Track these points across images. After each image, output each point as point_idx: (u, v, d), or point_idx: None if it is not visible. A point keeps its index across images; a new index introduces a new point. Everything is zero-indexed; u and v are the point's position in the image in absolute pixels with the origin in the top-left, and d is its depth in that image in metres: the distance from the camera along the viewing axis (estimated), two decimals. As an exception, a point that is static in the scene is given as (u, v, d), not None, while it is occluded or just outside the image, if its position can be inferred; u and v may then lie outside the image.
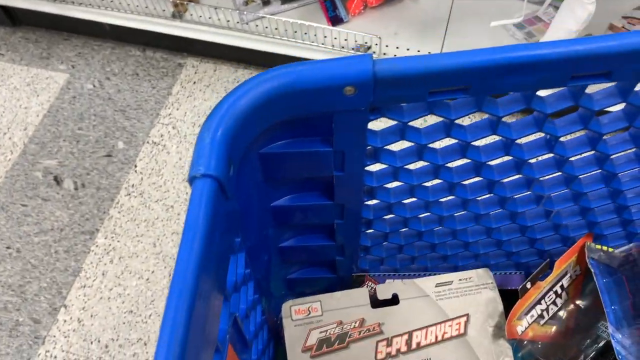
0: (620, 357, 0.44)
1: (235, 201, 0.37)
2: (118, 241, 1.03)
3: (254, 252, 0.48)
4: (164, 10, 1.16)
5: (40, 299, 0.97)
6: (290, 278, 0.56)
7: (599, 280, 0.49)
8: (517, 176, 0.45)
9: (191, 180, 0.31)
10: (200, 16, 1.14)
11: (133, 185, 1.09)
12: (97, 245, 1.03)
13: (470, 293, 0.53)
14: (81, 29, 1.27)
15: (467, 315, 0.52)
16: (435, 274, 0.56)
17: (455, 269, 0.57)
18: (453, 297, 0.53)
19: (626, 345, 0.44)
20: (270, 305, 0.55)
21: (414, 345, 0.50)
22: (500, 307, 0.53)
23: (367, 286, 0.56)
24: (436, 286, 0.53)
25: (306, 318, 0.50)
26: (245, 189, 0.41)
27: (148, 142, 1.14)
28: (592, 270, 0.49)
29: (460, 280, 0.54)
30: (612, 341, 0.44)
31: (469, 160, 0.42)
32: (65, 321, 0.95)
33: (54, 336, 0.93)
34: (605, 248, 0.52)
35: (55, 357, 0.91)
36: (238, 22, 1.12)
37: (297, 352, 0.49)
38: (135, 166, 1.11)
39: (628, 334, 0.45)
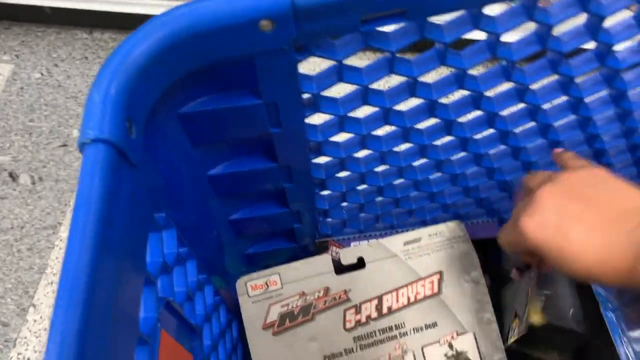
0: (599, 296, 0.40)
1: (150, 171, 0.31)
2: (83, 233, 0.97)
3: (198, 229, 0.43)
4: (105, -13, 1.08)
5: (7, 301, 0.92)
6: (249, 253, 0.51)
7: None
8: (476, 113, 0.40)
9: (81, 147, 0.26)
10: (144, -11, 1.06)
11: (93, 174, 1.03)
12: (61, 240, 0.97)
13: (442, 248, 0.49)
14: (22, 16, 1.19)
15: (441, 272, 0.48)
16: (403, 231, 0.52)
17: (424, 223, 0.53)
18: (424, 254, 0.49)
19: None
20: (229, 285, 0.50)
21: (384, 310, 0.46)
22: (475, 259, 0.49)
23: (331, 252, 0.51)
24: (404, 244, 0.49)
25: (265, 293, 0.45)
26: (172, 159, 0.35)
27: (104, 128, 1.08)
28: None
29: (430, 235, 0.49)
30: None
31: (421, 100, 0.37)
32: (35, 321, 0.90)
33: (25, 337, 0.88)
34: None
35: (29, 358, 0.86)
36: (184, -9, 1.05)
37: (257, 330, 0.44)
38: (94, 154, 1.05)
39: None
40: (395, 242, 0.48)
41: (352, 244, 0.52)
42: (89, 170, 0.25)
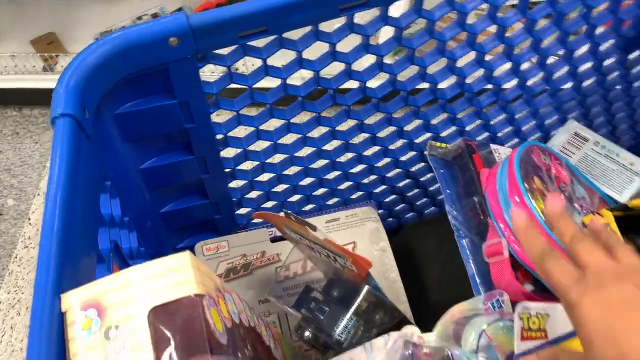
0: (455, 228, 0.56)
1: (100, 152, 0.46)
2: (22, 293, 1.06)
3: (139, 220, 0.57)
4: (34, 67, 1.23)
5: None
6: (180, 248, 0.65)
7: (438, 172, 0.61)
8: (336, 108, 0.57)
9: (52, 121, 0.40)
10: (72, 65, 1.22)
11: (30, 238, 1.13)
12: (0, 302, 1.05)
13: (356, 226, 0.65)
14: (-48, 100, 1.31)
15: (354, 242, 0.64)
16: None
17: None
18: (341, 230, 0.65)
19: (459, 219, 0.57)
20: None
21: (309, 269, 0.61)
22: (383, 234, 0.66)
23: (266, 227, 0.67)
24: (326, 222, 0.65)
25: (216, 254, 0.63)
26: (116, 155, 0.50)
27: (39, 195, 1.19)
28: (432, 165, 0.61)
29: (347, 216, 0.66)
30: (449, 216, 0.56)
31: (296, 99, 0.54)
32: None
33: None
34: (443, 145, 0.63)
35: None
36: (109, 65, 1.21)
37: None
38: (29, 219, 1.15)
39: (460, 209, 0.57)
40: (319, 221, 0.65)
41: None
42: (60, 135, 0.39)
